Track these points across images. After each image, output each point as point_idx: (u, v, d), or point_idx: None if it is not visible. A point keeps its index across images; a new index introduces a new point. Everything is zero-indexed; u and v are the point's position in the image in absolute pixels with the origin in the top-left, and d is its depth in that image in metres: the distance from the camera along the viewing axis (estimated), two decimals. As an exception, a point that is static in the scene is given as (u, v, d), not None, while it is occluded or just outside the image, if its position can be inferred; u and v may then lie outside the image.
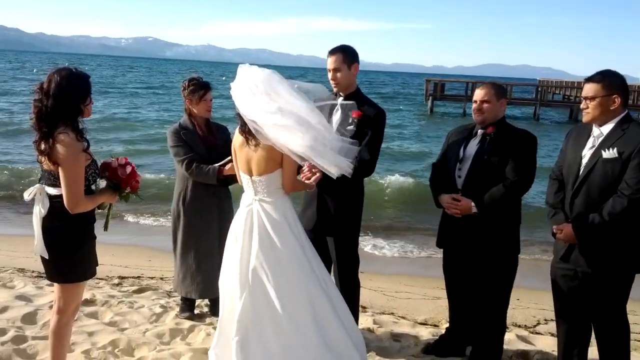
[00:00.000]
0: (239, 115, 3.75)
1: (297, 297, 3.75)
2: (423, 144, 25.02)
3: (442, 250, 4.67)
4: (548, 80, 60.90)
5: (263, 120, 3.60)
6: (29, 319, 5.06)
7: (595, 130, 3.83)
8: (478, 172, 4.26)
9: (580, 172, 3.82)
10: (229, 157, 4.52)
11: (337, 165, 3.71)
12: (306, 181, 4.03)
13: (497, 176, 4.19)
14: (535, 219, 9.24)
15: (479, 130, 4.35)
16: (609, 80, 3.74)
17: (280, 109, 3.58)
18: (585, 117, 3.84)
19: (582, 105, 3.84)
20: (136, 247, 8.86)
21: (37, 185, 3.56)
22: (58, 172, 3.39)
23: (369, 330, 5.22)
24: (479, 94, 4.35)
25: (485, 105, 4.29)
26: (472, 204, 4.22)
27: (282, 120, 3.57)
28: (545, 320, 6.03)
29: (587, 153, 3.84)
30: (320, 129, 3.66)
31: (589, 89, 3.78)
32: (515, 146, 4.21)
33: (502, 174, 4.18)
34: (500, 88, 4.38)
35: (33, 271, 6.68)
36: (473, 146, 4.36)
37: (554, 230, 3.94)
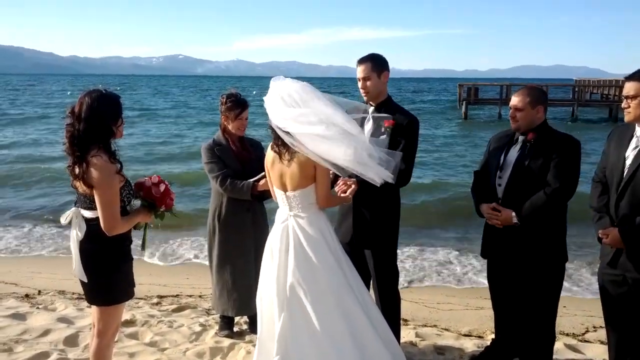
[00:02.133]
0: (271, 128, 3.72)
1: (335, 314, 3.70)
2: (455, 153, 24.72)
3: (483, 260, 4.55)
4: (585, 80, 59.93)
5: (300, 130, 3.57)
6: (71, 341, 5.09)
7: (639, 130, 3.70)
8: (518, 180, 4.14)
9: (625, 174, 3.69)
10: (263, 173, 4.48)
11: (378, 174, 3.65)
12: (341, 194, 3.96)
13: (538, 183, 4.06)
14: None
15: (520, 137, 4.23)
16: None
17: (322, 120, 3.55)
18: (627, 117, 3.70)
19: (623, 105, 3.70)
20: (174, 265, 8.90)
21: (73, 208, 3.57)
22: (93, 195, 3.39)
23: (412, 343, 5.11)
24: (513, 100, 4.24)
25: (518, 113, 4.17)
26: (513, 214, 4.10)
27: (325, 131, 3.54)
28: (594, 327, 5.85)
29: (630, 154, 3.71)
30: (361, 140, 3.63)
31: (630, 88, 3.64)
32: (556, 151, 4.07)
33: (543, 181, 4.05)
34: (537, 94, 4.23)
35: (73, 293, 6.74)
36: (514, 153, 4.24)
37: (600, 235, 3.80)
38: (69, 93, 62.39)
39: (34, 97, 61.82)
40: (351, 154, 3.54)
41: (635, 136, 3.72)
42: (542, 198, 4.03)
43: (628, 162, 3.70)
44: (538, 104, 4.17)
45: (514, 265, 4.25)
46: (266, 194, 4.59)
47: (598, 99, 48.99)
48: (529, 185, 4.08)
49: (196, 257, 9.21)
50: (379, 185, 3.71)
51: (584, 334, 5.68)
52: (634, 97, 3.62)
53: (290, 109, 3.60)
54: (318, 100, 3.62)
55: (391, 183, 3.76)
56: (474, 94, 41.89)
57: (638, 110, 3.63)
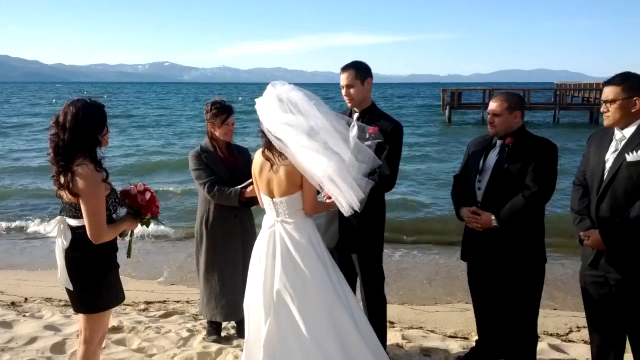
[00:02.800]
0: (262, 132, 3.75)
1: (321, 319, 3.72)
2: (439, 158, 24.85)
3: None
4: (566, 83, 60.46)
5: (290, 137, 3.59)
6: (58, 348, 5.07)
7: (618, 134, 3.76)
8: (497, 183, 4.22)
9: (605, 176, 3.75)
10: (251, 180, 4.51)
11: (347, 202, 3.64)
12: (327, 200, 4.00)
13: (516, 187, 4.13)
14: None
15: (498, 141, 4.31)
16: (629, 83, 3.67)
17: (311, 129, 3.57)
18: (607, 121, 3.77)
19: (602, 109, 3.77)
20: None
21: (58, 217, 3.57)
22: (79, 204, 3.39)
23: (398, 345, 5.16)
24: (491, 106, 4.32)
25: (496, 118, 4.25)
26: (493, 217, 4.17)
27: (308, 142, 3.56)
28: (578, 327, 5.94)
29: (610, 157, 3.77)
30: (345, 160, 3.62)
31: (609, 92, 3.72)
32: (534, 155, 4.15)
33: (522, 184, 4.13)
34: (514, 99, 4.31)
35: (60, 300, 6.74)
36: (492, 157, 4.31)
37: (581, 237, 3.85)
38: (53, 101, 61.98)
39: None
40: (328, 171, 3.56)
41: (614, 139, 3.78)
42: (521, 201, 4.10)
43: (608, 165, 3.75)
44: (515, 109, 4.25)
45: (494, 267, 4.32)
46: (254, 201, 4.60)
47: (579, 102, 49.47)
48: (508, 189, 4.16)
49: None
50: (345, 215, 3.72)
51: (567, 334, 5.76)
52: (612, 101, 3.69)
53: (285, 114, 3.61)
54: (316, 106, 3.62)
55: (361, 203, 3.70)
56: (457, 99, 42.17)
57: (617, 114, 3.69)
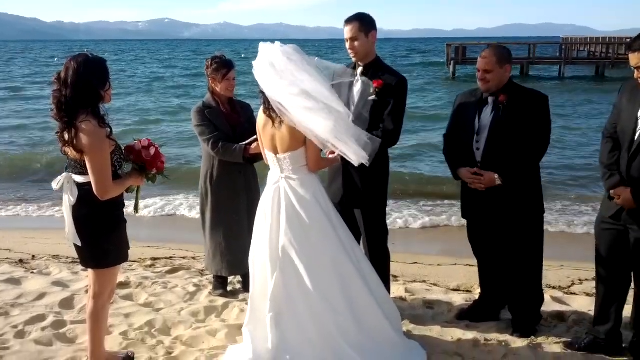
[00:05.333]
0: (262, 93, 3.73)
1: (327, 272, 3.77)
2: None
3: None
4: (572, 38, 59.74)
5: (289, 102, 3.58)
6: (67, 304, 5.16)
7: None
8: (496, 142, 4.19)
9: (637, 134, 3.68)
10: (255, 136, 4.51)
11: (356, 153, 3.64)
12: (330, 156, 3.98)
13: (516, 142, 4.12)
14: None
15: (490, 98, 4.26)
16: None
17: (303, 92, 3.55)
18: None
19: (636, 75, 3.62)
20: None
21: (65, 174, 3.58)
22: (84, 161, 3.39)
23: (402, 299, 5.23)
24: (480, 62, 4.24)
25: (488, 75, 4.19)
26: (496, 175, 4.16)
27: (306, 102, 3.54)
28: (580, 280, 5.98)
29: None
30: (342, 114, 3.61)
31: (638, 58, 3.54)
32: (528, 108, 4.15)
33: (520, 140, 4.11)
34: (503, 52, 4.26)
35: (67, 257, 6.79)
36: (487, 115, 4.26)
37: (612, 195, 3.81)
38: (55, 60, 61.41)
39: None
40: (330, 126, 3.55)
41: None
42: (522, 157, 4.13)
43: None
44: (505, 63, 4.20)
45: (495, 223, 4.35)
46: (258, 157, 4.62)
47: (585, 56, 48.99)
48: (507, 146, 4.14)
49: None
50: (356, 165, 3.71)
51: (569, 286, 5.79)
52: None
53: (280, 81, 3.58)
54: (303, 70, 3.59)
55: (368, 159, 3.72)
56: (462, 54, 41.70)
57: None
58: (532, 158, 4.17)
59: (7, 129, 19.91)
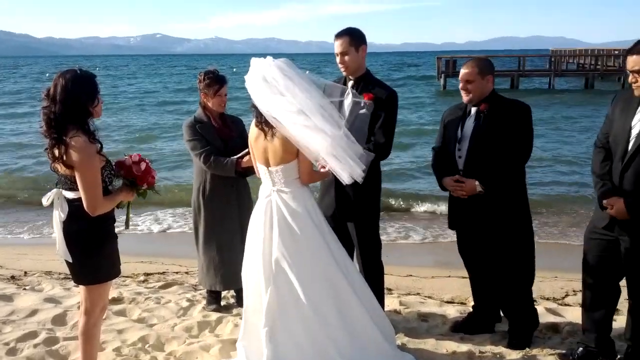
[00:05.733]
0: (254, 106, 3.74)
1: (319, 285, 3.77)
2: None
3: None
4: (561, 50, 60.23)
5: (285, 117, 3.59)
6: (59, 320, 5.12)
7: None
8: (477, 150, 4.23)
9: (630, 144, 3.69)
10: (247, 150, 4.52)
11: (350, 173, 3.64)
12: (321, 169, 3.99)
13: (496, 151, 4.15)
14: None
15: (473, 108, 4.31)
16: None
17: (300, 110, 3.55)
18: (637, 91, 3.66)
19: (630, 79, 3.65)
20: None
21: (55, 189, 3.57)
22: (74, 176, 3.38)
23: (396, 311, 5.21)
24: (462, 73, 4.29)
25: (469, 85, 4.23)
26: (477, 182, 4.18)
27: (304, 121, 3.55)
28: (574, 291, 5.98)
29: (637, 124, 3.69)
30: (338, 133, 3.61)
31: (635, 62, 3.59)
32: (510, 118, 4.19)
33: (501, 148, 4.14)
34: (485, 64, 4.31)
35: (60, 273, 6.77)
36: (469, 125, 4.31)
37: (604, 205, 3.81)
38: (47, 75, 61.28)
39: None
40: (326, 147, 3.56)
41: None
42: (502, 163, 4.14)
43: (634, 131, 3.69)
44: (487, 74, 4.24)
45: (482, 233, 4.36)
46: (250, 171, 4.62)
47: (574, 68, 49.37)
48: (488, 154, 4.18)
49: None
50: (345, 183, 3.71)
51: (563, 297, 5.81)
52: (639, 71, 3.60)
53: (273, 96, 3.59)
54: (297, 85, 3.60)
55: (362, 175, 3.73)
56: (452, 67, 41.95)
57: None
58: (513, 166, 4.20)
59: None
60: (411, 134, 20.76)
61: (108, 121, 24.68)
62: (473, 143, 4.25)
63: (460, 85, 4.30)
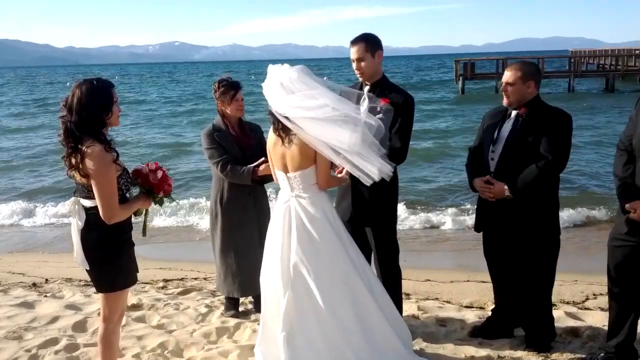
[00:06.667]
0: (271, 113, 3.76)
1: (337, 290, 3.77)
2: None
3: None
4: (581, 50, 59.71)
5: (301, 115, 3.60)
6: (80, 327, 5.17)
7: None
8: (511, 153, 4.17)
9: None
10: (263, 158, 4.55)
11: (380, 169, 3.63)
12: (339, 175, 4.00)
13: (530, 157, 4.08)
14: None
15: (513, 112, 4.26)
16: None
17: (326, 104, 3.56)
18: None
19: None
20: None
21: (72, 198, 3.60)
22: (91, 185, 3.41)
23: (414, 316, 5.20)
24: (505, 75, 4.26)
25: (509, 87, 4.19)
26: (505, 187, 4.13)
27: (331, 112, 3.55)
28: (594, 295, 5.93)
29: None
30: (372, 126, 3.64)
31: None
32: (548, 125, 4.09)
33: (535, 154, 4.07)
34: (529, 69, 4.23)
35: (80, 280, 6.84)
36: (507, 128, 4.26)
37: (627, 208, 3.75)
38: (67, 84, 61.99)
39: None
40: (357, 140, 3.56)
41: None
42: (534, 171, 4.05)
43: None
44: (529, 79, 4.17)
45: (508, 238, 4.31)
46: (267, 179, 4.66)
47: (594, 69, 48.88)
48: (521, 159, 4.11)
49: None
50: (370, 182, 3.69)
51: (584, 301, 5.75)
52: None
53: (290, 96, 3.61)
54: (316, 87, 3.63)
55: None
56: (470, 69, 41.73)
57: None
58: (544, 174, 4.08)
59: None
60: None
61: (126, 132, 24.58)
62: (507, 146, 4.21)
63: (502, 87, 4.28)
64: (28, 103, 44.68)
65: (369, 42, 4.32)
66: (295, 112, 3.62)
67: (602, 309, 5.29)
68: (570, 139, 4.15)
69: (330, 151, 3.65)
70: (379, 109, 4.23)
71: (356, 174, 3.70)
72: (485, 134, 4.44)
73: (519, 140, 4.15)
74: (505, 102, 4.28)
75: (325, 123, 3.57)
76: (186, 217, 10.78)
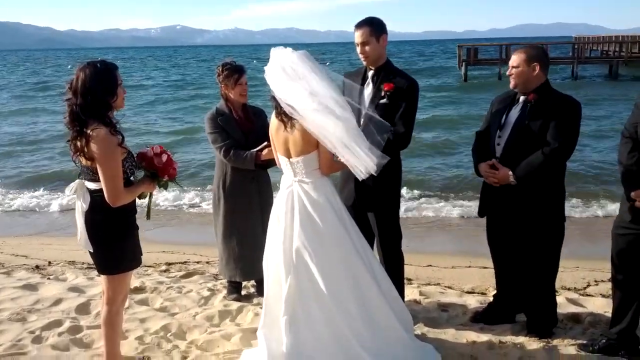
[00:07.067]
0: (273, 98, 3.74)
1: (340, 275, 3.77)
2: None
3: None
4: (584, 37, 59.40)
5: (302, 104, 3.59)
6: (83, 309, 5.20)
7: None
8: (517, 139, 4.16)
9: None
10: (266, 143, 4.53)
11: (365, 165, 3.62)
12: (342, 159, 3.99)
13: (537, 143, 4.07)
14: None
15: (522, 97, 4.24)
16: None
17: (312, 93, 3.55)
18: None
19: None
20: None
21: (77, 180, 3.62)
22: (96, 168, 3.41)
23: (416, 301, 5.22)
24: (511, 59, 4.25)
25: (514, 70, 4.18)
26: (510, 172, 4.12)
27: (313, 104, 3.55)
28: (596, 281, 5.96)
29: None
30: (350, 120, 3.60)
31: None
32: (556, 111, 4.06)
33: (542, 141, 4.06)
34: (534, 52, 4.20)
35: (83, 263, 6.87)
36: (514, 113, 4.25)
37: (632, 196, 3.74)
38: (69, 67, 61.59)
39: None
40: (338, 133, 3.55)
41: None
42: (539, 157, 4.04)
43: None
44: (534, 61, 4.14)
45: (512, 224, 4.31)
46: (270, 163, 4.65)
47: (598, 55, 48.66)
48: (528, 145, 4.09)
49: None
50: (360, 179, 3.70)
51: (585, 288, 5.77)
52: None
53: (291, 83, 3.60)
54: (314, 73, 3.60)
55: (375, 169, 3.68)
56: (473, 55, 41.46)
57: None
58: (550, 161, 4.05)
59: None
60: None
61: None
62: (514, 131, 4.19)
63: (508, 70, 4.27)
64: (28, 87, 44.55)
65: (374, 26, 4.29)
66: (293, 99, 3.60)
67: (603, 296, 5.31)
68: (578, 127, 4.13)
69: (324, 139, 3.64)
70: (382, 93, 4.22)
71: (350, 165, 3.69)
72: (492, 118, 4.42)
73: (526, 126, 4.13)
74: (511, 85, 4.27)
75: (315, 112, 3.56)
76: (190, 201, 10.88)
